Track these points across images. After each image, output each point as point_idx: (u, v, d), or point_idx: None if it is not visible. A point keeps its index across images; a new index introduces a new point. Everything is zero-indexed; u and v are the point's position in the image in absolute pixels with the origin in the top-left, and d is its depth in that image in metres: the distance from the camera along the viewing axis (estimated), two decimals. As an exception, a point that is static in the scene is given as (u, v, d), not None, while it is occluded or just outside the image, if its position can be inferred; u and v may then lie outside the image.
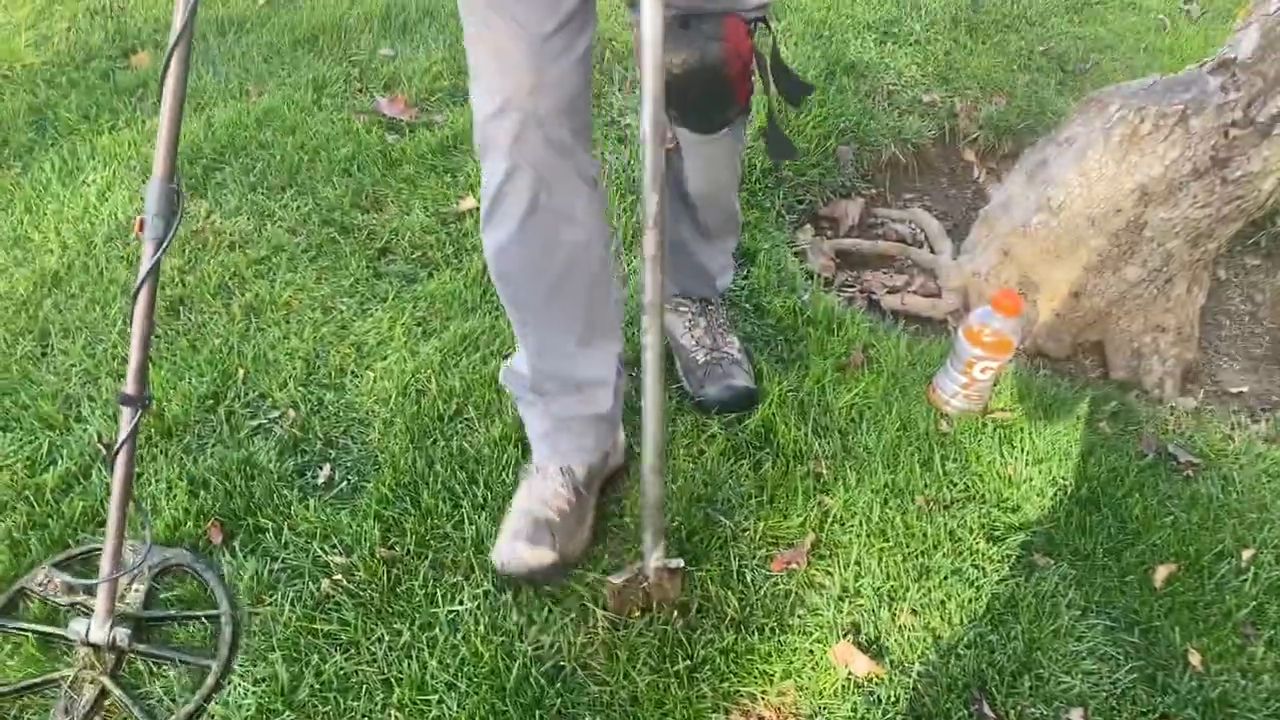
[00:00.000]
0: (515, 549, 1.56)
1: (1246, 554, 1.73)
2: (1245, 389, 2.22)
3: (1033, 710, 1.50)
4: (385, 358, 1.95)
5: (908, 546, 1.69)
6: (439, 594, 1.58)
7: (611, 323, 1.64)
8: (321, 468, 1.76)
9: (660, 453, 1.37)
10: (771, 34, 1.52)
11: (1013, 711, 1.50)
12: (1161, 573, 1.69)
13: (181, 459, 1.75)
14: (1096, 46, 3.33)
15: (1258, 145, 1.89)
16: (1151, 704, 1.52)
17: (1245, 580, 1.69)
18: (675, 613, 1.56)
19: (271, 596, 1.56)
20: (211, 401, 1.85)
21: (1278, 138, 1.87)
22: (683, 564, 1.51)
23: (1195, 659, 1.59)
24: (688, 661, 1.51)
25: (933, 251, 2.46)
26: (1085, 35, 3.37)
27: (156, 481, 1.71)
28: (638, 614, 1.54)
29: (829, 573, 1.65)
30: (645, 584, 1.51)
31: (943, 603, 1.62)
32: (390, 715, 1.43)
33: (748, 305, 2.15)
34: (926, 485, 1.80)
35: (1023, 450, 1.89)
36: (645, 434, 1.36)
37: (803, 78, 1.72)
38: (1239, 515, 1.80)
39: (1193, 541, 1.74)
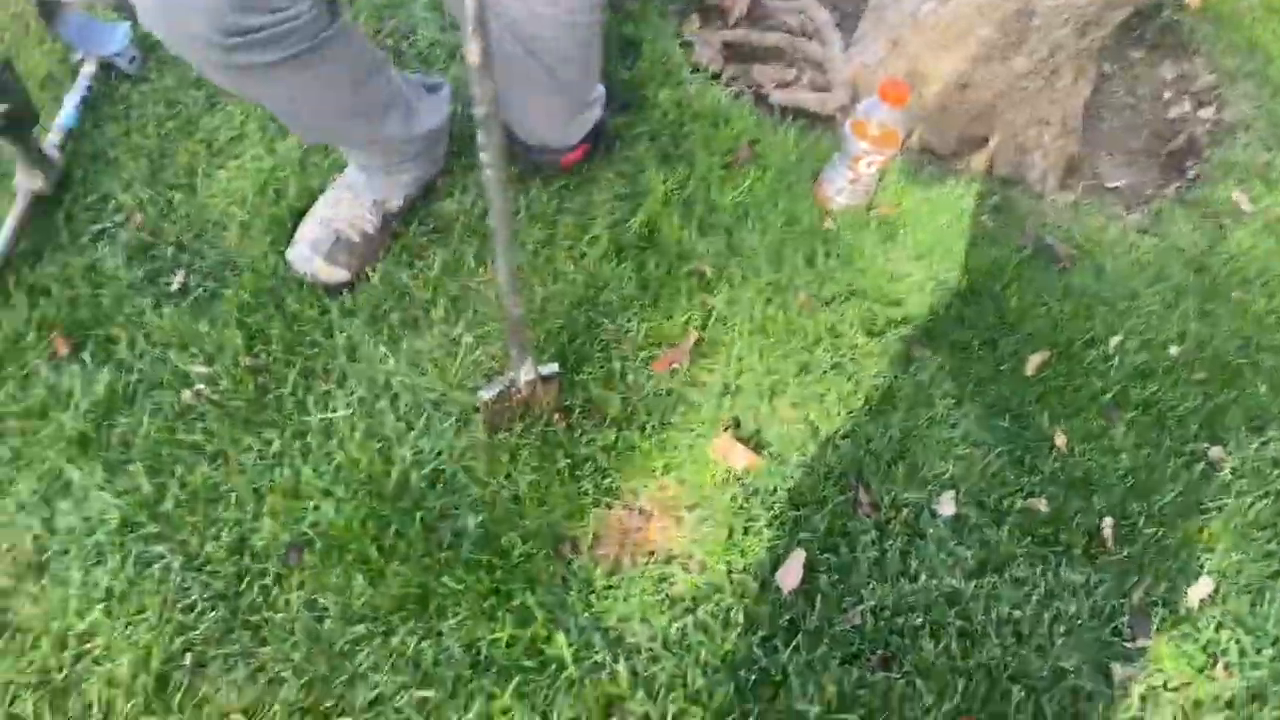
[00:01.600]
0: (313, 261, 1.61)
1: (1114, 341, 1.78)
2: (1122, 183, 2.24)
3: (906, 495, 1.54)
4: (239, 156, 1.80)
5: (789, 343, 1.68)
6: (310, 402, 1.52)
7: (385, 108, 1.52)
8: (175, 273, 1.64)
9: (513, 274, 1.26)
10: None
11: (887, 497, 1.54)
12: (1034, 360, 1.73)
13: (16, 265, 1.60)
14: None
15: (1151, -74, 1.83)
16: (1019, 484, 1.58)
17: (1111, 366, 1.75)
18: (556, 416, 1.54)
19: (129, 409, 1.48)
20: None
21: (1172, -82, 1.82)
22: (557, 369, 1.46)
23: (1060, 441, 1.65)
24: (569, 460, 1.49)
25: (822, 44, 2.37)
26: None
27: (-11, 291, 1.58)
28: (516, 424, 1.51)
29: (711, 370, 1.64)
30: (519, 395, 1.47)
31: (822, 396, 1.63)
32: (264, 524, 1.39)
33: (631, 98, 2.04)
34: (809, 282, 1.78)
35: (905, 245, 1.88)
36: (497, 259, 1.24)
37: None
38: (1110, 304, 1.84)
39: (1065, 330, 1.78)
